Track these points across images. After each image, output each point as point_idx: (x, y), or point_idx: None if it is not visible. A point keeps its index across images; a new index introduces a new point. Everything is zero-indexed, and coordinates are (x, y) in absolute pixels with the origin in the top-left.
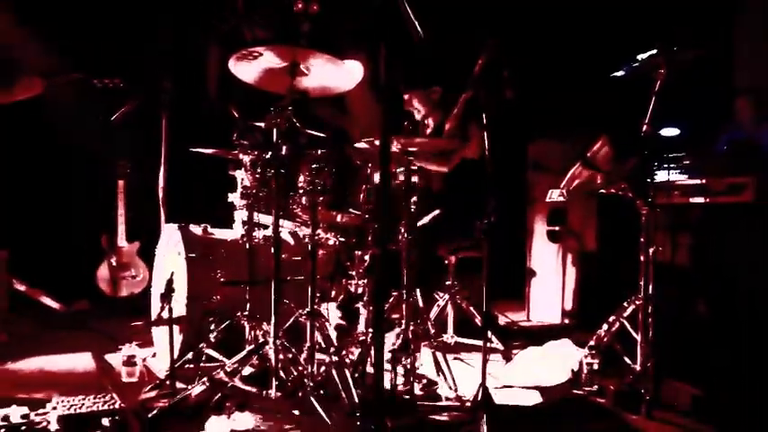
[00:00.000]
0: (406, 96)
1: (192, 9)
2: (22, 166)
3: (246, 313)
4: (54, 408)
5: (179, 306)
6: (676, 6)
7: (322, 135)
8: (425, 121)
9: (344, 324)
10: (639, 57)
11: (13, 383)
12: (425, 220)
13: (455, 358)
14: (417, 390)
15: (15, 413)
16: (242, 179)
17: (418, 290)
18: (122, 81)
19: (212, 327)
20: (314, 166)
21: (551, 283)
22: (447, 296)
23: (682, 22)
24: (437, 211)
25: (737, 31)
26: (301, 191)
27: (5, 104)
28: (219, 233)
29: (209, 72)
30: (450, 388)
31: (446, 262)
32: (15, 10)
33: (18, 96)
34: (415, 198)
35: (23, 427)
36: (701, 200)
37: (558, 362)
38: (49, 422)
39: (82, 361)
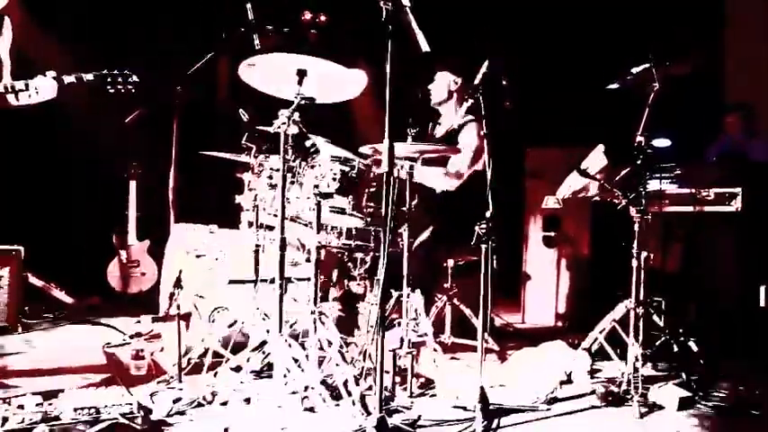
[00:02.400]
0: (437, 74)
1: (204, 15)
2: (37, 167)
3: (252, 311)
4: (67, 398)
5: (187, 303)
6: (668, 21)
7: (327, 140)
8: (440, 111)
9: (343, 315)
10: (633, 70)
11: (27, 374)
12: (423, 237)
13: (452, 358)
14: (416, 388)
15: (30, 402)
16: (249, 181)
17: (418, 291)
18: (135, 86)
19: (218, 324)
20: (319, 169)
21: (546, 286)
22: (445, 298)
23: (673, 36)
24: (431, 228)
25: (726, 46)
26: (306, 193)
27: (21, 107)
28: (227, 233)
29: (219, 77)
30: (448, 387)
31: (444, 265)
32: (32, 12)
33: (34, 100)
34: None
35: (38, 416)
36: (690, 209)
37: (552, 363)
38: (62, 411)
39: (93, 354)
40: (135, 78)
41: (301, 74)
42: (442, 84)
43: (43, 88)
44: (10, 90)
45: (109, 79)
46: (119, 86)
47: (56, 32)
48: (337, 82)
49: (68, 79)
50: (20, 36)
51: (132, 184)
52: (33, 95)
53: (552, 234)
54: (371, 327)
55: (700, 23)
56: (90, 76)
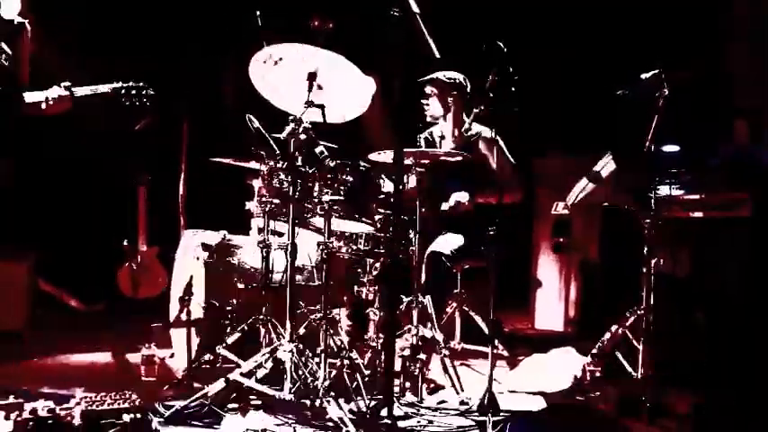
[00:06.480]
0: (426, 88)
1: (212, 22)
2: (46, 174)
3: (262, 317)
4: (77, 403)
5: (196, 309)
6: (675, 26)
7: (336, 146)
8: (440, 126)
9: (353, 331)
10: (643, 76)
11: (39, 379)
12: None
13: (462, 364)
14: (425, 394)
15: (42, 407)
16: (259, 188)
17: (428, 297)
18: (149, 99)
19: (228, 330)
20: (328, 175)
21: (556, 292)
22: (455, 304)
23: (683, 41)
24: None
25: (733, 50)
26: (316, 200)
27: (36, 116)
28: (237, 239)
29: (227, 83)
30: (458, 393)
31: (454, 271)
32: (45, 24)
33: (49, 111)
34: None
35: (50, 421)
36: (700, 214)
37: (562, 369)
38: (73, 416)
39: (103, 359)
40: (151, 91)
41: (312, 77)
42: (435, 98)
43: (58, 100)
44: (27, 101)
45: (124, 92)
46: (134, 99)
47: (66, 41)
48: (347, 91)
49: (83, 91)
50: (35, 48)
51: (142, 191)
52: (48, 107)
53: (561, 240)
54: (381, 332)
55: (707, 29)
56: (106, 89)
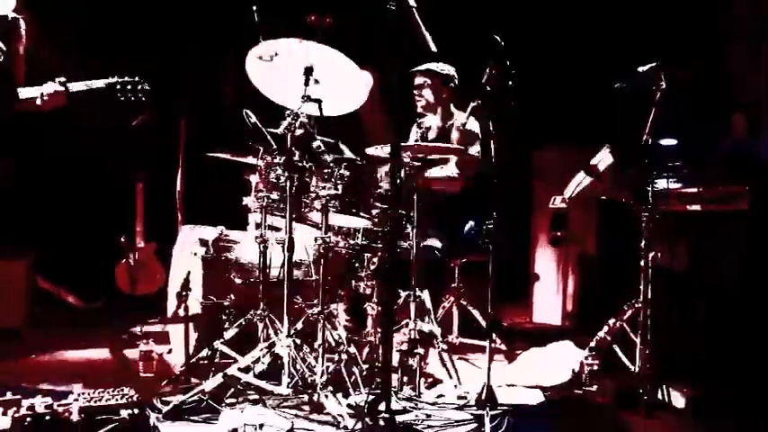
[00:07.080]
0: (419, 79)
1: (211, 23)
2: (44, 170)
3: (259, 312)
4: (75, 399)
5: (194, 305)
6: (679, 26)
7: (333, 141)
8: (426, 117)
9: (351, 326)
10: (640, 69)
11: (37, 375)
12: (428, 243)
13: (460, 358)
14: (423, 388)
15: (40, 403)
16: (256, 183)
17: (425, 291)
18: (145, 95)
19: (226, 325)
20: (326, 170)
21: (554, 286)
22: (452, 298)
23: (683, 41)
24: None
25: (733, 50)
26: (313, 194)
27: (34, 113)
28: (234, 235)
29: (227, 83)
30: (456, 387)
31: (452, 265)
32: (43, 22)
33: (44, 106)
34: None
35: (47, 417)
36: (697, 207)
37: (560, 362)
38: (71, 412)
39: (101, 355)
40: (146, 86)
41: (308, 71)
42: (428, 90)
43: (53, 95)
44: (21, 96)
45: (119, 87)
46: (129, 95)
47: (65, 39)
48: (344, 84)
49: (78, 87)
50: (30, 43)
51: (139, 187)
52: (43, 102)
53: (559, 233)
54: (379, 327)
55: (707, 29)
56: (101, 84)
